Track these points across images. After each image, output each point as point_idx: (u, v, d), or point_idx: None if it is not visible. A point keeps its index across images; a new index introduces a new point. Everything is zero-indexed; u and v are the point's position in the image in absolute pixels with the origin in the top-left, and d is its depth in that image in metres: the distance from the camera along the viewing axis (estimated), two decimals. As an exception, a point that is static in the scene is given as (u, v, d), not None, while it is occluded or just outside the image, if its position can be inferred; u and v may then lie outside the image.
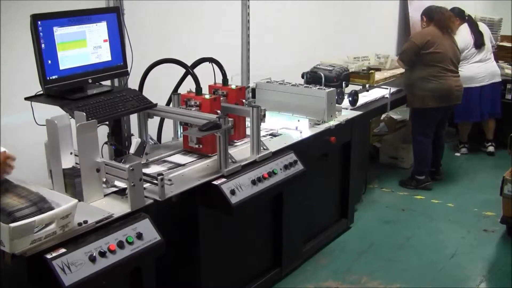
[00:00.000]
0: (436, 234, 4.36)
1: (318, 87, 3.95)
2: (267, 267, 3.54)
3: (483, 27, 5.86)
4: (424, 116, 4.96)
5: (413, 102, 4.95)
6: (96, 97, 2.82)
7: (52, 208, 2.16)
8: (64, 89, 2.74)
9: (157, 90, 3.37)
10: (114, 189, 2.64)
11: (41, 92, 2.72)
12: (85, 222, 2.26)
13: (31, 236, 2.04)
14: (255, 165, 3.08)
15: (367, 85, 4.99)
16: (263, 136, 3.45)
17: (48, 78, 2.65)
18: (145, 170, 2.75)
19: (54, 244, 2.13)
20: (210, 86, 3.42)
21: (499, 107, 5.92)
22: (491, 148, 6.08)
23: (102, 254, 2.20)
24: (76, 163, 2.50)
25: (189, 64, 3.34)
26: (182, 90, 3.38)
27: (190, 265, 3.02)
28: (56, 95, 2.73)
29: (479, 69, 5.69)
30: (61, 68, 2.70)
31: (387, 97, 4.85)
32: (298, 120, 3.79)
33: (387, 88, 4.92)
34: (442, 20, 4.88)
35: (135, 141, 3.06)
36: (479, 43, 5.69)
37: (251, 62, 4.38)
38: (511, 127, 4.98)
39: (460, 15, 5.66)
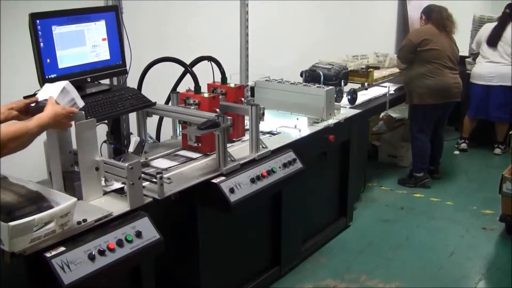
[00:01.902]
0: (435, 233, 4.36)
1: (317, 85, 3.94)
2: (266, 265, 3.54)
3: None
4: (422, 113, 4.97)
5: (412, 99, 4.97)
6: (95, 96, 2.82)
7: (51, 207, 2.16)
8: (63, 88, 2.74)
9: (156, 89, 3.37)
10: (113, 187, 2.64)
11: (40, 90, 2.72)
12: (84, 220, 2.26)
13: (31, 234, 2.04)
14: (254, 164, 3.08)
15: (366, 84, 4.99)
16: (262, 134, 3.45)
17: (47, 77, 2.65)
18: (144, 169, 2.75)
19: (54, 243, 2.13)
20: (209, 85, 3.42)
21: (508, 113, 5.88)
22: (497, 151, 6.07)
23: (102, 252, 2.20)
24: (75, 162, 2.50)
25: (188, 62, 3.35)
26: (181, 88, 3.38)
27: (189, 263, 3.02)
28: (55, 94, 2.73)
29: (489, 68, 5.72)
30: (60, 67, 2.70)
31: (386, 96, 4.85)
32: (297, 119, 3.78)
33: (386, 87, 4.92)
34: (440, 19, 4.90)
35: (134, 139, 3.06)
36: (492, 42, 5.73)
37: (249, 60, 4.37)
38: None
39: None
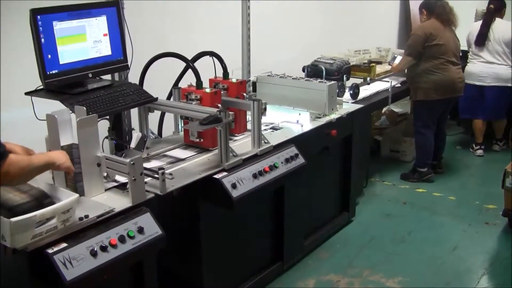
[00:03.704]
0: (438, 228, 4.36)
1: (319, 80, 3.94)
2: (268, 261, 3.54)
3: (501, 27, 5.62)
4: (427, 108, 4.95)
5: (416, 95, 4.95)
6: (96, 92, 2.81)
7: (53, 203, 2.16)
8: (64, 84, 2.74)
9: (158, 84, 3.36)
10: (115, 183, 2.64)
11: (42, 87, 2.71)
12: (86, 216, 2.26)
13: (32, 231, 2.04)
14: (256, 159, 3.08)
15: (368, 78, 4.98)
16: (264, 129, 3.44)
17: (48, 73, 2.65)
18: (146, 164, 2.75)
19: (55, 239, 2.13)
20: (210, 80, 3.42)
21: (503, 113, 5.80)
22: (496, 147, 6.01)
23: (104, 248, 2.20)
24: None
25: (189, 58, 3.33)
26: (183, 84, 3.37)
27: (191, 259, 3.02)
28: (56, 90, 2.72)
29: (482, 68, 5.60)
30: (61, 62, 2.70)
31: (388, 90, 4.84)
32: (299, 114, 3.77)
33: (389, 81, 4.91)
34: (444, 13, 4.87)
35: (136, 135, 3.06)
36: (480, 41, 5.60)
37: (251, 55, 4.37)
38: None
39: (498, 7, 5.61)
